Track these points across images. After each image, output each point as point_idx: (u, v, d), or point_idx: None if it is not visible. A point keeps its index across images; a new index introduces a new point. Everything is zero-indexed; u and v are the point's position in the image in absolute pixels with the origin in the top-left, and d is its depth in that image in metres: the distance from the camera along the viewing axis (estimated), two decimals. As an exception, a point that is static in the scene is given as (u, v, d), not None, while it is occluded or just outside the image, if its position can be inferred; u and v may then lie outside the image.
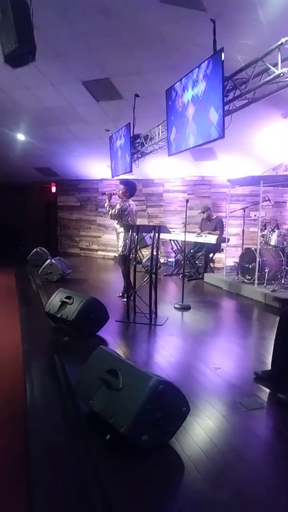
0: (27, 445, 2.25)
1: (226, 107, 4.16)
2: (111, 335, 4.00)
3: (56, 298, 4.11)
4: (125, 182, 5.72)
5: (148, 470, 1.85)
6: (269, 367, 2.96)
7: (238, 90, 4.12)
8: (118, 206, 5.50)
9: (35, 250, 8.97)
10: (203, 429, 2.22)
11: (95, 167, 10.70)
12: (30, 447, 2.20)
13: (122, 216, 5.49)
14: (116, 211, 5.48)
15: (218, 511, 1.59)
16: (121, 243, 5.54)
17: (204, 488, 1.72)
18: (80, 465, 2.02)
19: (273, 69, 3.70)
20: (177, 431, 2.06)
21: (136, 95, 6.63)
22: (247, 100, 4.19)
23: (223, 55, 3.89)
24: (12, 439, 2.41)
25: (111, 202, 5.64)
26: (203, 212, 8.28)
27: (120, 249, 5.58)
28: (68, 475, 1.96)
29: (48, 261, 7.17)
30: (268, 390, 2.76)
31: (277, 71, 3.63)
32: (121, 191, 5.61)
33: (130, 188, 5.64)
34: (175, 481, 1.82)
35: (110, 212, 5.54)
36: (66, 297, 4.00)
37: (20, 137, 9.36)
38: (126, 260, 5.37)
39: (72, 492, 1.84)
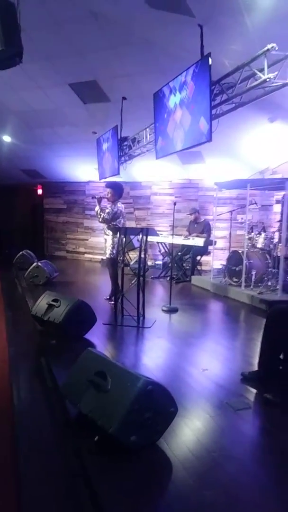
0: (14, 447, 2.23)
1: (214, 111, 4.21)
2: (98, 338, 3.99)
3: (43, 301, 4.08)
4: (111, 185, 5.70)
5: (137, 470, 1.86)
6: (255, 368, 2.99)
7: (225, 95, 4.18)
8: (108, 210, 5.49)
9: (21, 253, 8.89)
10: (191, 429, 2.24)
11: (82, 170, 10.69)
12: (18, 449, 2.17)
13: (113, 219, 5.47)
14: (107, 214, 5.46)
15: (207, 509, 1.60)
16: (109, 245, 5.53)
17: (192, 487, 1.73)
18: (69, 466, 2.00)
19: (259, 74, 3.76)
20: (165, 431, 2.06)
21: (124, 98, 6.66)
22: (234, 105, 4.25)
23: (210, 59, 3.94)
24: (0, 441, 2.37)
25: (101, 205, 5.59)
26: (191, 214, 8.33)
27: (108, 251, 5.57)
28: (56, 476, 1.94)
29: (35, 264, 7.12)
30: (255, 391, 2.79)
31: (264, 76, 3.70)
32: (109, 194, 5.59)
33: (117, 191, 5.63)
34: (164, 480, 1.82)
35: (102, 216, 5.51)
36: (53, 300, 3.98)
37: (6, 139, 9.30)
38: (114, 263, 5.36)
39: (61, 492, 1.82)
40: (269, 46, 3.55)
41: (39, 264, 7.05)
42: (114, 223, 5.46)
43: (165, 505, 1.66)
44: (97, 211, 5.56)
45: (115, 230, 5.32)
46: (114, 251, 5.37)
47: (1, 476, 2.06)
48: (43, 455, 2.12)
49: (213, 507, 1.61)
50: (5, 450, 2.28)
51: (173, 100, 4.82)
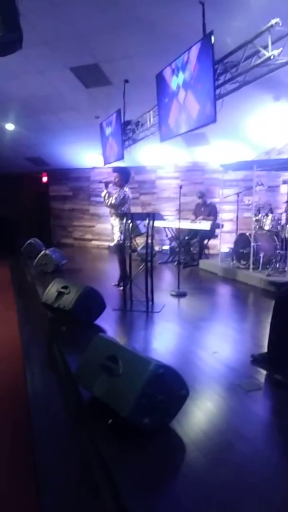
0: (30, 434, 2.28)
1: (217, 91, 4.14)
2: (108, 324, 4.03)
3: (52, 289, 4.11)
4: (118, 170, 5.65)
5: (151, 451, 1.89)
6: (265, 350, 3.00)
7: (229, 73, 4.10)
8: (115, 195, 5.45)
9: (29, 241, 8.94)
10: (202, 411, 2.27)
11: (87, 155, 10.62)
12: (34, 435, 2.23)
13: (121, 204, 5.44)
14: (115, 199, 5.41)
15: (221, 487, 1.63)
16: (116, 231, 5.52)
17: (206, 466, 1.77)
18: (84, 450, 2.05)
19: (263, 51, 3.68)
20: (177, 413, 2.09)
21: (126, 81, 6.55)
22: (238, 84, 4.17)
23: (212, 38, 3.85)
24: (16, 429, 2.43)
25: (108, 190, 5.55)
26: (199, 198, 8.27)
27: (115, 237, 5.58)
28: (73, 461, 2.00)
29: (43, 252, 7.16)
30: (265, 372, 2.81)
31: (268, 53, 3.62)
32: (116, 179, 5.54)
33: (124, 175, 5.58)
34: (178, 460, 1.86)
35: (109, 202, 5.47)
36: (62, 287, 4.00)
37: (9, 127, 9.24)
38: (122, 249, 5.36)
39: (78, 476, 1.88)
40: (272, 22, 3.46)
41: (48, 252, 7.09)
42: (122, 208, 5.44)
43: (180, 485, 1.69)
44: (104, 196, 5.53)
45: (122, 215, 5.31)
46: (122, 237, 5.36)
47: (19, 464, 2.12)
48: (58, 438, 2.18)
49: (226, 486, 1.64)
50: (21, 434, 2.35)
51: (176, 81, 4.73)
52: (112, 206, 5.46)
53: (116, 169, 5.69)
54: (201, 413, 2.24)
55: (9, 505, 1.79)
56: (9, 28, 3.92)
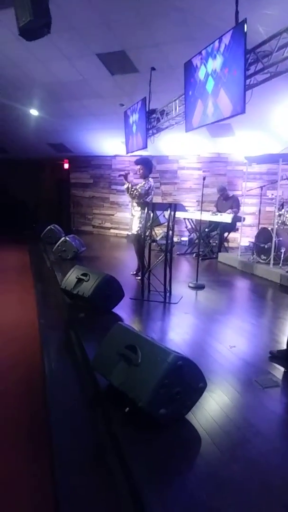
0: (47, 415, 2.33)
1: (248, 81, 4.03)
2: (126, 312, 4.05)
3: (72, 275, 4.14)
4: (142, 162, 5.61)
5: (167, 441, 1.90)
6: (283, 346, 2.97)
7: (261, 64, 3.98)
8: (141, 186, 5.43)
9: (49, 227, 9.01)
10: (218, 404, 2.26)
11: (109, 143, 10.58)
12: (50, 417, 2.27)
13: (147, 194, 5.42)
14: (141, 190, 5.39)
15: (235, 481, 1.63)
16: (136, 221, 5.52)
17: (221, 460, 1.77)
18: (99, 435, 2.08)
19: (297, 41, 3.56)
20: (194, 405, 2.10)
21: (153, 68, 6.47)
22: (269, 74, 4.05)
23: (245, 26, 3.73)
24: (32, 412, 2.48)
25: (129, 181, 5.54)
26: (219, 192, 8.18)
27: (134, 227, 5.57)
28: (88, 446, 2.03)
29: (63, 238, 7.21)
30: (283, 369, 2.78)
31: (302, 43, 3.50)
32: (141, 171, 5.52)
33: (148, 166, 5.57)
34: (193, 452, 1.87)
35: (134, 193, 5.41)
36: (82, 274, 4.03)
37: (34, 112, 9.28)
38: (141, 239, 5.36)
39: (92, 461, 1.91)
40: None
41: (67, 238, 7.14)
42: (147, 198, 5.42)
43: (195, 477, 1.70)
44: (127, 188, 5.50)
45: (143, 205, 5.29)
46: (141, 227, 5.35)
47: (34, 443, 2.17)
48: (75, 423, 2.21)
49: (241, 482, 1.64)
50: (38, 417, 2.39)
51: (204, 70, 4.64)
52: (137, 196, 5.44)
53: (139, 161, 5.65)
54: (217, 407, 2.24)
55: (25, 487, 1.83)
56: (39, 14, 3.92)
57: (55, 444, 2.02)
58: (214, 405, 2.25)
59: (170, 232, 4.56)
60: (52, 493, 1.74)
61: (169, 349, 2.09)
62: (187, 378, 2.04)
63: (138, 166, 5.54)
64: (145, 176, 5.49)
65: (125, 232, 11.04)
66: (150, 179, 5.50)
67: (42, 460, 1.98)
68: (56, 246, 7.15)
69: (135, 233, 5.58)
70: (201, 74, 4.73)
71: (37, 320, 4.17)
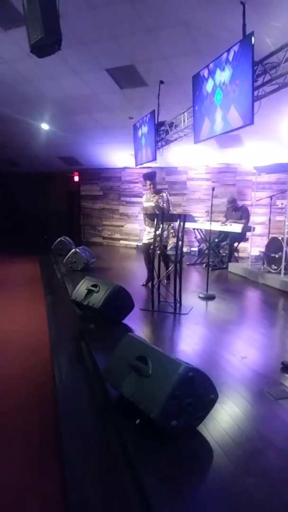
0: (57, 427, 2.32)
1: (256, 93, 4.06)
2: (136, 323, 4.04)
3: (82, 286, 4.17)
4: (149, 177, 5.76)
5: (178, 453, 1.89)
6: (296, 357, 2.93)
7: (268, 75, 4.01)
8: (163, 201, 5.63)
9: (59, 239, 9.09)
10: (230, 416, 2.24)
11: (118, 156, 10.70)
12: (61, 429, 2.27)
13: (169, 207, 5.68)
14: (166, 204, 5.63)
15: (249, 495, 1.61)
16: (147, 232, 5.59)
17: (234, 473, 1.74)
18: (110, 447, 2.07)
19: (305, 52, 3.58)
20: (205, 417, 2.08)
21: (161, 82, 6.55)
22: (277, 85, 4.08)
23: (253, 39, 3.78)
24: (43, 422, 2.48)
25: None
26: (229, 203, 8.18)
27: (144, 238, 5.62)
28: (99, 456, 2.02)
29: (73, 250, 7.27)
30: (295, 380, 2.74)
31: (309, 54, 3.52)
32: (151, 185, 5.65)
33: (155, 179, 5.79)
34: (205, 464, 1.84)
35: (162, 208, 5.57)
36: (92, 285, 4.05)
37: (44, 126, 9.44)
38: (151, 250, 5.38)
39: (103, 472, 1.89)
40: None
41: (77, 250, 7.20)
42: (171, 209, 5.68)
43: (206, 489, 1.68)
44: (147, 207, 5.68)
45: (152, 216, 5.32)
46: (152, 238, 5.38)
47: (45, 452, 2.16)
48: (86, 435, 2.20)
49: (255, 494, 1.61)
50: (49, 427, 2.39)
51: (213, 83, 4.68)
52: (164, 211, 5.55)
53: (146, 177, 5.79)
54: (229, 418, 2.21)
55: (36, 498, 1.83)
56: (50, 31, 4.01)
57: (66, 455, 2.01)
58: (226, 417, 2.22)
59: (180, 242, 4.57)
60: (63, 504, 1.73)
61: (180, 360, 2.09)
62: (198, 389, 2.02)
63: (147, 182, 5.68)
64: (157, 191, 5.70)
65: (134, 243, 11.08)
66: (163, 191, 5.76)
67: (53, 471, 1.98)
68: (66, 258, 7.21)
69: (146, 242, 5.63)
70: (209, 86, 4.78)
71: (48, 331, 4.19)
